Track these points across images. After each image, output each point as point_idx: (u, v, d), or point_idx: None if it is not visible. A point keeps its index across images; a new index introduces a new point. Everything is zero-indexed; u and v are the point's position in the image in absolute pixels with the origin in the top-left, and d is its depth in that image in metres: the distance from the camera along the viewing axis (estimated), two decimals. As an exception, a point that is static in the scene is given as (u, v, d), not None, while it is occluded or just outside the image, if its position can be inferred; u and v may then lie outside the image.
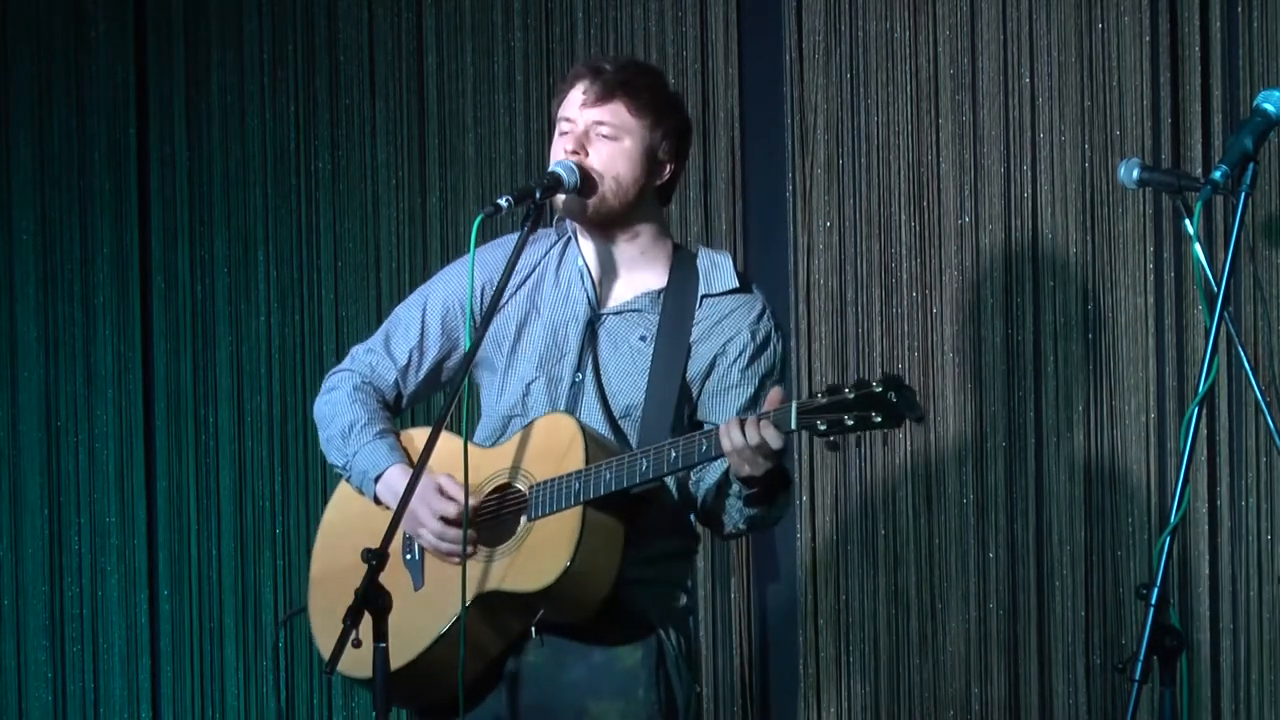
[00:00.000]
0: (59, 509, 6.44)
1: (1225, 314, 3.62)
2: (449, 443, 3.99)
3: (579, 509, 3.84)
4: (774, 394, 3.73)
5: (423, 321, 4.15)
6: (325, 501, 6.04)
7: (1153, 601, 3.54)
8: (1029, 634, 5.22)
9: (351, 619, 3.61)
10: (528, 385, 4.06)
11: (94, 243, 6.39)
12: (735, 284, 4.06)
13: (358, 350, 4.22)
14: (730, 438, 3.69)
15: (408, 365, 4.15)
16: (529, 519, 3.90)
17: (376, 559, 3.66)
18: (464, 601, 3.89)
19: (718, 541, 5.42)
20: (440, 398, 4.46)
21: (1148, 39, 5.09)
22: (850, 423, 3.58)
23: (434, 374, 4.16)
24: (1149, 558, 5.06)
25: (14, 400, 6.48)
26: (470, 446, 4.04)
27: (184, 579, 6.30)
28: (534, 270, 4.13)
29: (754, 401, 3.99)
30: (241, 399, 6.23)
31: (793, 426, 3.64)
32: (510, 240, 4.14)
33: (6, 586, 6.47)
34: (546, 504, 3.87)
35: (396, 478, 4.02)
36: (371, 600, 3.64)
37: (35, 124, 6.46)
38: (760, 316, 4.05)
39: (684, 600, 4.05)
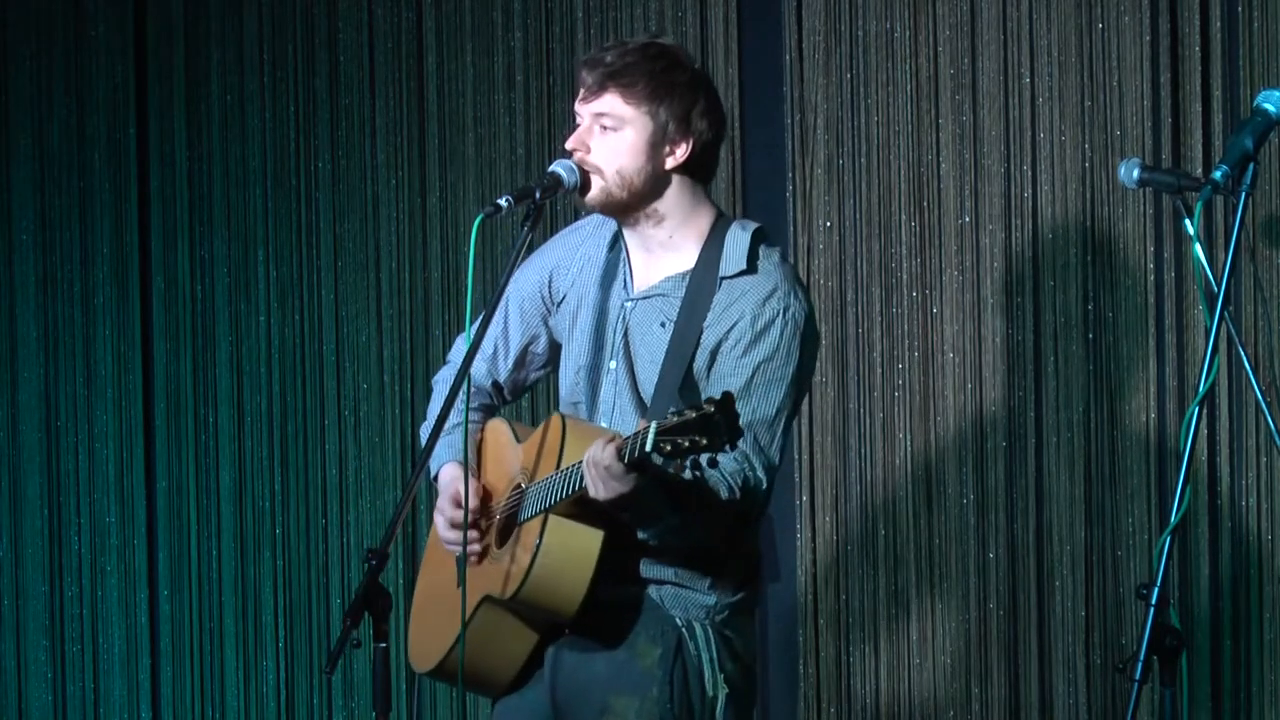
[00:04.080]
0: (59, 509, 6.44)
1: (1225, 314, 3.62)
2: (505, 437, 4.04)
3: (542, 515, 3.81)
4: (641, 421, 3.67)
5: (505, 309, 4.14)
6: (325, 501, 6.11)
7: (1153, 601, 3.53)
8: (1029, 634, 5.22)
9: (351, 618, 3.61)
10: (576, 374, 4.04)
11: (94, 243, 6.39)
12: (743, 265, 3.93)
13: (458, 340, 4.26)
14: (589, 452, 3.67)
15: (495, 353, 4.15)
16: (517, 523, 3.90)
17: (376, 559, 3.66)
18: (463, 603, 3.90)
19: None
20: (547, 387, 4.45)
21: (1148, 39, 5.09)
22: (685, 444, 3.52)
23: (521, 359, 4.17)
24: (1149, 558, 5.06)
25: (14, 400, 6.48)
26: (511, 442, 4.07)
27: (184, 579, 6.30)
28: (592, 256, 4.10)
29: (745, 390, 3.85)
30: (241, 399, 6.23)
31: (648, 448, 3.56)
32: (580, 226, 4.16)
33: (6, 586, 6.47)
34: (530, 507, 3.87)
35: (445, 477, 4.05)
36: (372, 600, 3.64)
37: (35, 124, 6.46)
38: (766, 299, 3.90)
39: (712, 598, 3.94)
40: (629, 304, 4.01)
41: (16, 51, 6.48)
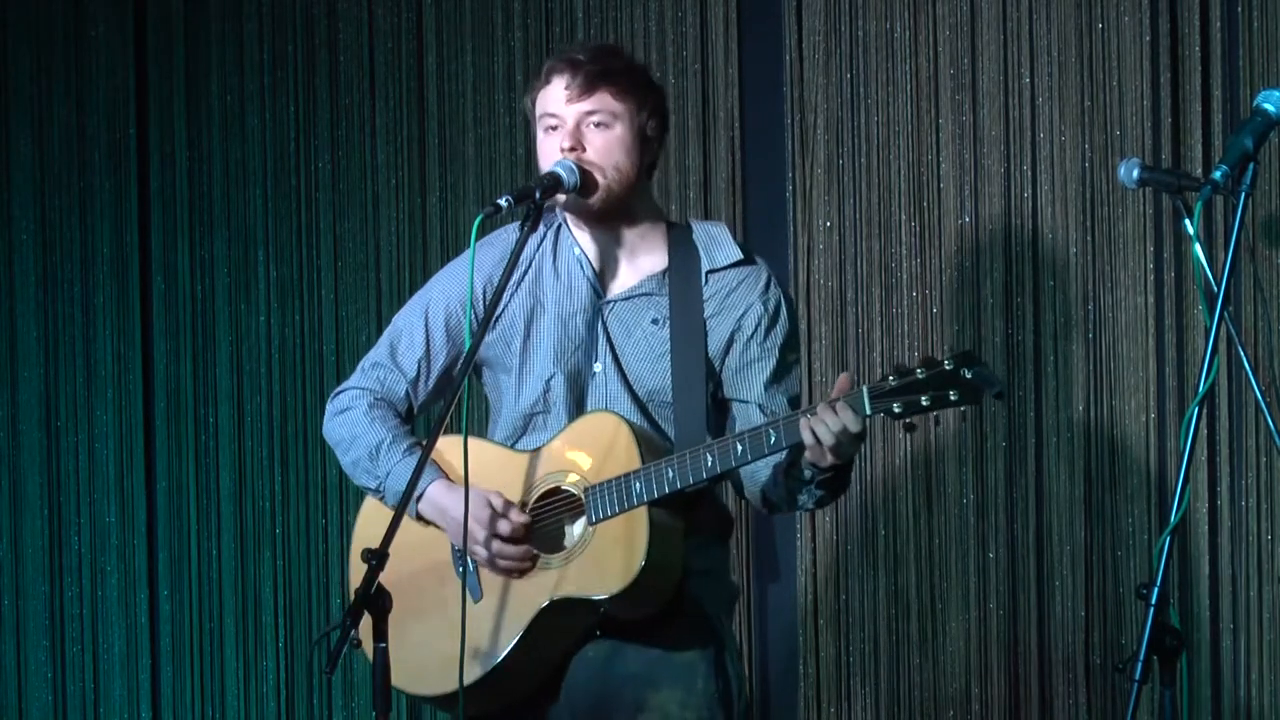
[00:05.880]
0: (59, 509, 6.44)
1: (1225, 314, 3.62)
2: (478, 450, 3.97)
3: (644, 510, 3.82)
4: (842, 380, 3.69)
5: (426, 329, 4.12)
6: (325, 501, 6.11)
7: (1153, 601, 3.53)
8: (1029, 634, 5.22)
9: (351, 619, 3.60)
10: (547, 381, 4.03)
11: (94, 243, 6.39)
12: (739, 256, 4.04)
13: (364, 364, 4.18)
14: (811, 432, 3.67)
15: (417, 376, 4.13)
16: (590, 523, 3.87)
17: (376, 559, 3.65)
18: (463, 601, 3.89)
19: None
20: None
21: (1148, 39, 5.09)
22: (926, 403, 3.55)
23: (443, 380, 4.13)
24: (1149, 558, 5.06)
25: (14, 400, 6.48)
26: (503, 451, 4.04)
27: (184, 579, 6.30)
28: (530, 264, 4.09)
29: (778, 373, 3.98)
30: (241, 399, 6.23)
31: (867, 411, 3.61)
32: (499, 237, 4.14)
33: (6, 586, 6.47)
34: (606, 506, 3.85)
35: (440, 493, 3.99)
36: (372, 600, 3.64)
37: (35, 124, 6.45)
38: (768, 286, 4.03)
39: (731, 588, 4.06)
40: (606, 306, 4.03)
41: (16, 51, 6.48)
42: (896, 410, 3.58)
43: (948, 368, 3.55)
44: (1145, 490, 5.11)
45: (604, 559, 3.84)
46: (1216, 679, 5.05)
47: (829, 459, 3.71)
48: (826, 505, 3.96)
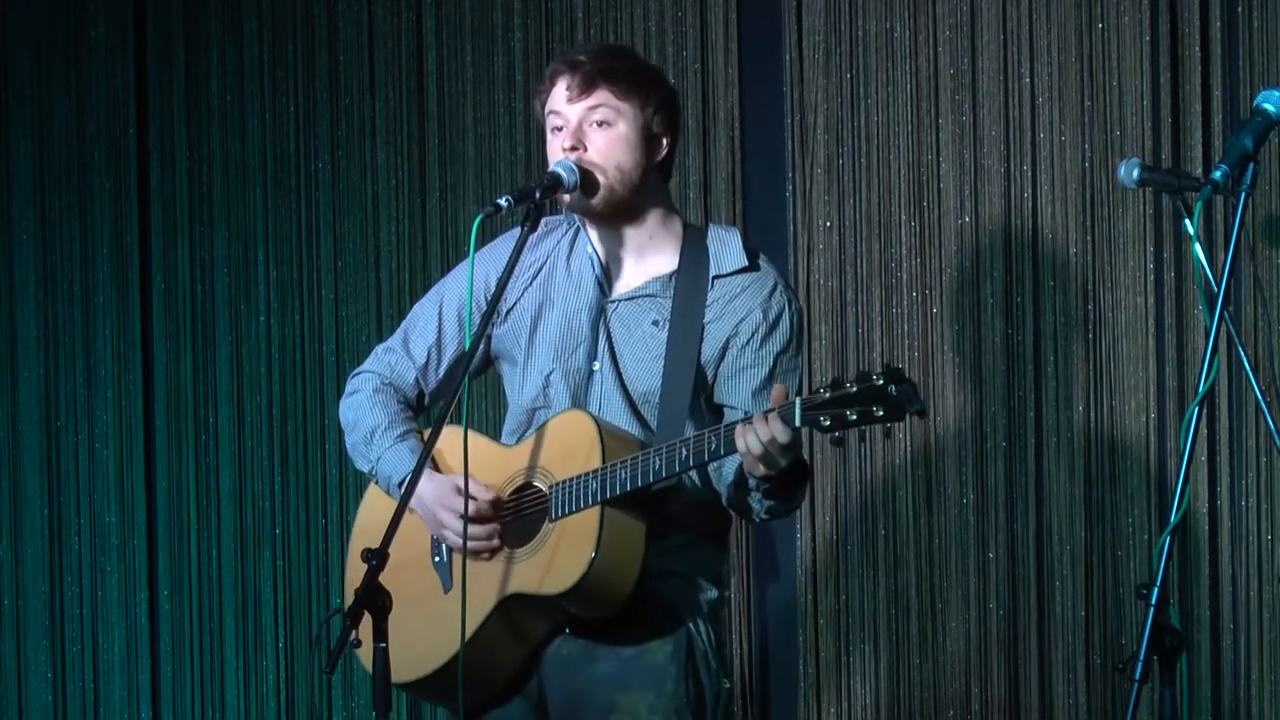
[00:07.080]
0: (59, 509, 6.44)
1: (1225, 314, 3.62)
2: (478, 439, 4.00)
3: (597, 509, 3.83)
4: (777, 391, 3.70)
5: (439, 319, 4.14)
6: (325, 501, 6.11)
7: (1153, 601, 3.54)
8: (1029, 634, 5.22)
9: (351, 619, 3.61)
10: (547, 377, 4.05)
11: (94, 243, 6.40)
12: (744, 262, 4.03)
13: (378, 349, 4.22)
14: (744, 440, 3.68)
15: (426, 363, 4.15)
16: (550, 520, 3.90)
17: (376, 559, 3.65)
18: (463, 601, 3.89)
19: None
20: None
21: (1148, 39, 5.09)
22: (853, 417, 3.56)
23: (454, 370, 4.15)
24: (1149, 558, 5.06)
25: (14, 400, 6.48)
26: (491, 445, 4.06)
27: (184, 579, 6.30)
28: (546, 261, 4.11)
29: (768, 381, 3.97)
30: (241, 399, 6.23)
31: (797, 423, 3.61)
32: (515, 235, 4.15)
33: (6, 586, 6.47)
34: (566, 504, 3.87)
35: (421, 481, 4.00)
36: (371, 600, 3.64)
37: (35, 124, 6.46)
38: (771, 293, 4.01)
39: (713, 592, 4.03)
40: (610, 305, 4.03)
41: (16, 51, 6.48)
42: (824, 423, 3.58)
43: (878, 383, 3.55)
44: (1145, 490, 5.11)
45: (558, 556, 3.87)
46: (1216, 679, 5.05)
47: (760, 469, 3.71)
48: (781, 516, 3.94)
